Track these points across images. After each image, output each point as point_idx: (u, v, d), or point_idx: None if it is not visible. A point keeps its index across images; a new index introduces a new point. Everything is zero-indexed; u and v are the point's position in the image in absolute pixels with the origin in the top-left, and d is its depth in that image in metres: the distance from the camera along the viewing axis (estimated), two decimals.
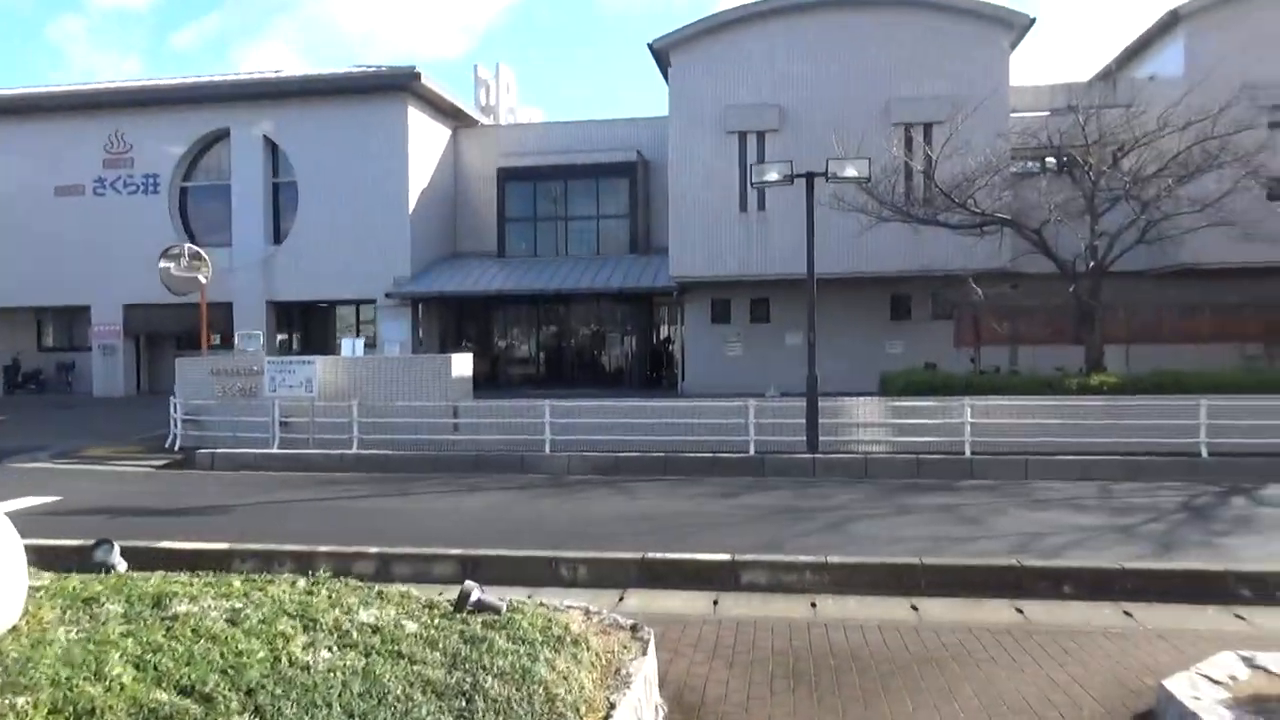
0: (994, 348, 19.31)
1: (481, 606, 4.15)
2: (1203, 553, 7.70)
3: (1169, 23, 20.60)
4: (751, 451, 13.60)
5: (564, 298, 26.71)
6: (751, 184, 13.06)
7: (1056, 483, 11.87)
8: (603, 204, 27.92)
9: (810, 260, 13.32)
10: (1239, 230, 16.95)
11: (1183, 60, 19.92)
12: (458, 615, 4.10)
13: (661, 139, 23.77)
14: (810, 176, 12.87)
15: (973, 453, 13.06)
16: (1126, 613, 6.15)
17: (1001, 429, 13.52)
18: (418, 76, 25.81)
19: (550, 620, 4.26)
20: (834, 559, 6.95)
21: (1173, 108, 16.01)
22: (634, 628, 4.58)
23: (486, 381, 26.21)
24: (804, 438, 13.51)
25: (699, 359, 24.34)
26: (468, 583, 4.27)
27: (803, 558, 7.04)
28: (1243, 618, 6.01)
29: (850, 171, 12.64)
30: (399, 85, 26.02)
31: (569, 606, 4.88)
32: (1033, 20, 20.54)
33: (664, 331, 28.74)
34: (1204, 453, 13.03)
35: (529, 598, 6.57)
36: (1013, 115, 20.70)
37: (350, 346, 17.73)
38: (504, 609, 4.19)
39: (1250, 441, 13.10)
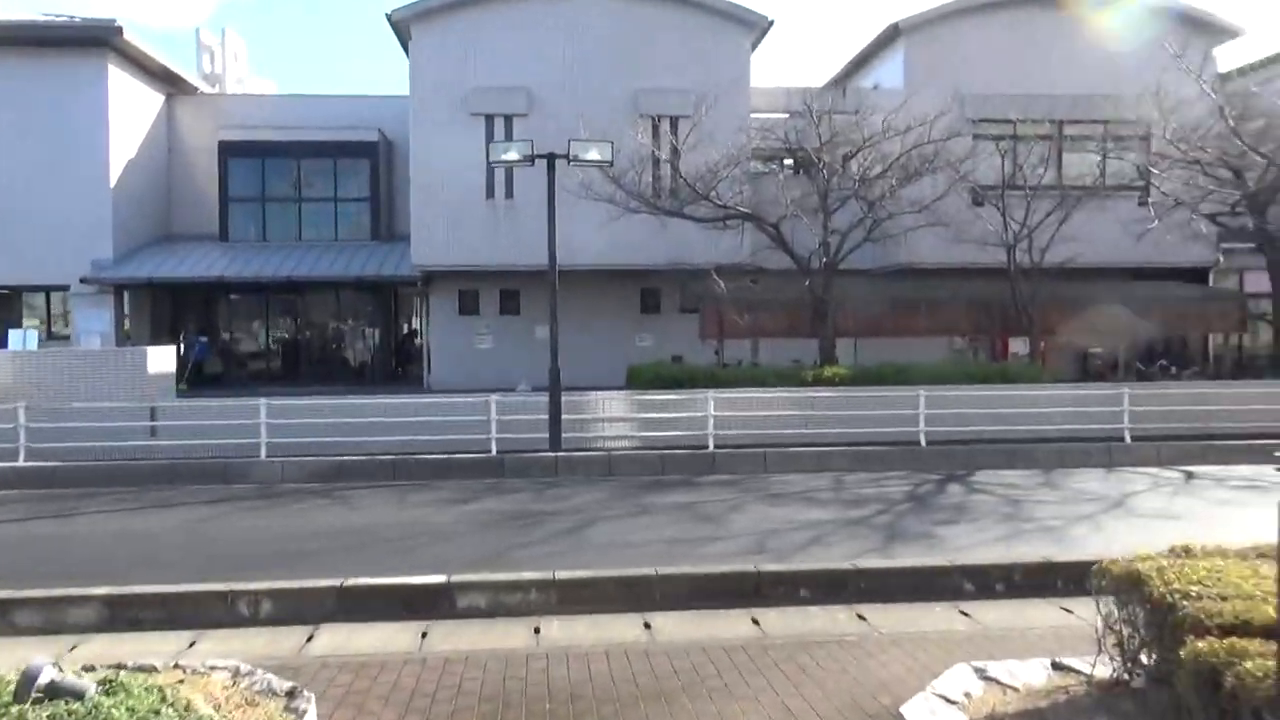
0: (737, 341, 19.65)
1: (56, 692, 3.02)
2: (927, 546, 7.78)
3: (890, 35, 21.89)
4: (493, 451, 12.76)
5: (298, 286, 24.46)
6: (490, 163, 12.23)
7: (794, 475, 11.96)
8: (341, 186, 25.85)
9: (551, 247, 12.66)
10: (951, 232, 18.20)
11: (902, 71, 21.22)
12: (16, 708, 2.95)
13: (407, 119, 22.32)
14: (552, 158, 12.20)
15: (715, 447, 12.96)
16: (861, 616, 5.91)
17: (743, 422, 13.55)
18: (119, 31, 22.61)
19: (166, 699, 3.20)
20: (563, 574, 6.26)
21: (893, 114, 16.88)
22: (291, 693, 3.62)
23: (212, 380, 23.52)
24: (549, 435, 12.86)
25: (447, 353, 23.12)
26: (35, 660, 3.11)
27: (528, 574, 6.29)
28: (968, 614, 5.94)
29: (593, 154, 12.10)
30: (97, 40, 22.68)
31: (212, 668, 3.81)
32: (771, 22, 21.13)
33: (411, 324, 27.18)
34: (923, 441, 13.71)
35: (191, 646, 5.44)
36: (754, 115, 21.16)
37: (20, 339, 15.04)
38: (91, 692, 3.08)
39: (960, 429, 13.96)
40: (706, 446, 12.98)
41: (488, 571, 6.51)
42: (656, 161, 18.68)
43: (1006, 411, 14.14)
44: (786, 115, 21.09)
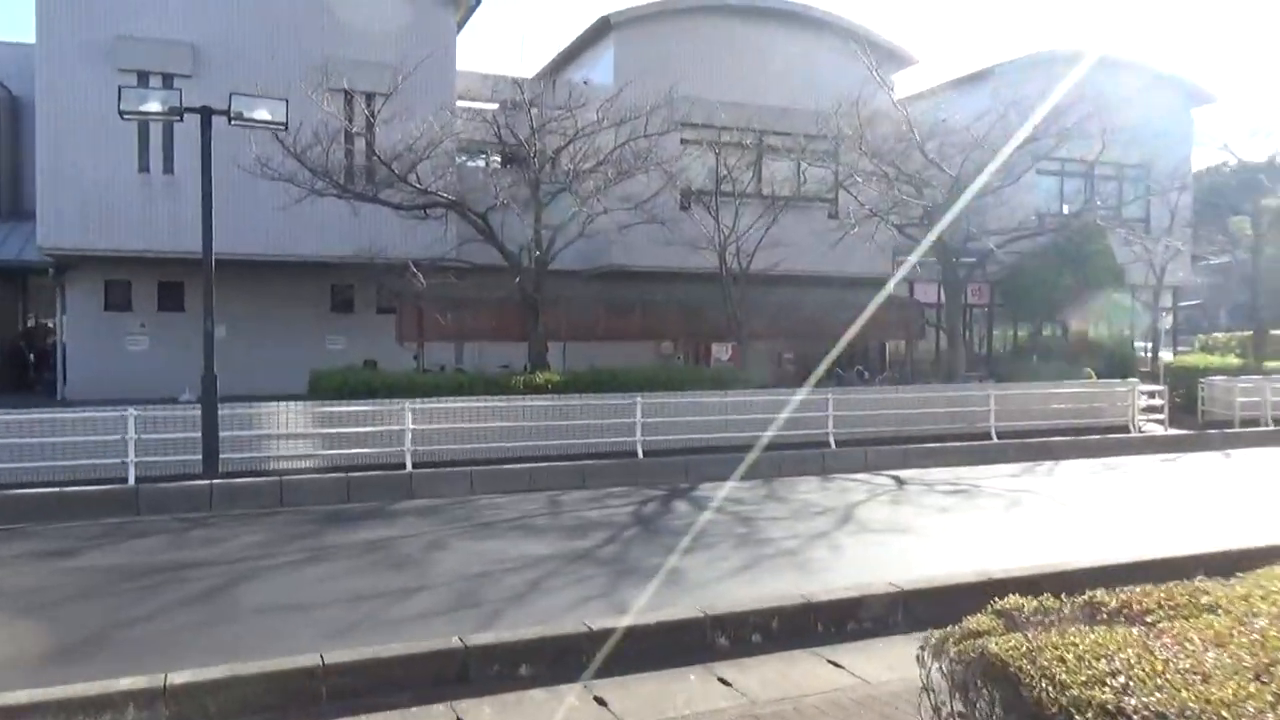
0: (440, 344, 17.89)
1: None
2: (666, 584, 6.67)
3: (601, 29, 21.20)
4: (130, 480, 10.13)
5: None
6: (123, 115, 9.60)
7: (505, 497, 10.52)
8: None
9: (207, 227, 10.27)
10: (663, 234, 17.71)
11: (613, 67, 20.58)
12: None
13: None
14: (207, 113, 9.84)
15: (414, 466, 11.21)
16: (600, 699, 4.58)
17: (446, 435, 11.92)
18: None
19: None
20: (179, 678, 4.33)
21: (605, 108, 16.04)
22: None
23: None
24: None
25: (88, 355, 19.19)
26: None
27: (124, 682, 4.29)
28: (727, 681, 4.81)
29: (262, 114, 9.91)
30: None
31: None
32: (479, 0, 19.66)
33: (47, 320, 22.49)
34: (640, 452, 12.87)
35: None
36: (462, 103, 19.57)
37: None
38: None
39: (678, 438, 13.30)
40: (404, 466, 11.19)
41: (52, 684, 4.36)
42: (348, 136, 16.46)
43: (721, 419, 13.70)
44: (495, 105, 19.67)
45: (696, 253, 17.97)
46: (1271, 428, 17.09)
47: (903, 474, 12.33)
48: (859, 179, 18.82)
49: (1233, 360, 20.52)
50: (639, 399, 13.14)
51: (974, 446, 14.23)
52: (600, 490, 11.06)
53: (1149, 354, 24.51)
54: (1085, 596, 3.41)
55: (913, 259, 18.95)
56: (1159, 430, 16.68)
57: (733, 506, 10.00)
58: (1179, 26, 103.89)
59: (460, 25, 19.99)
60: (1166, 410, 17.17)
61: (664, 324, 20.21)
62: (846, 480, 11.88)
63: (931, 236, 17.56)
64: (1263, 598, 3.32)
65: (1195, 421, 17.73)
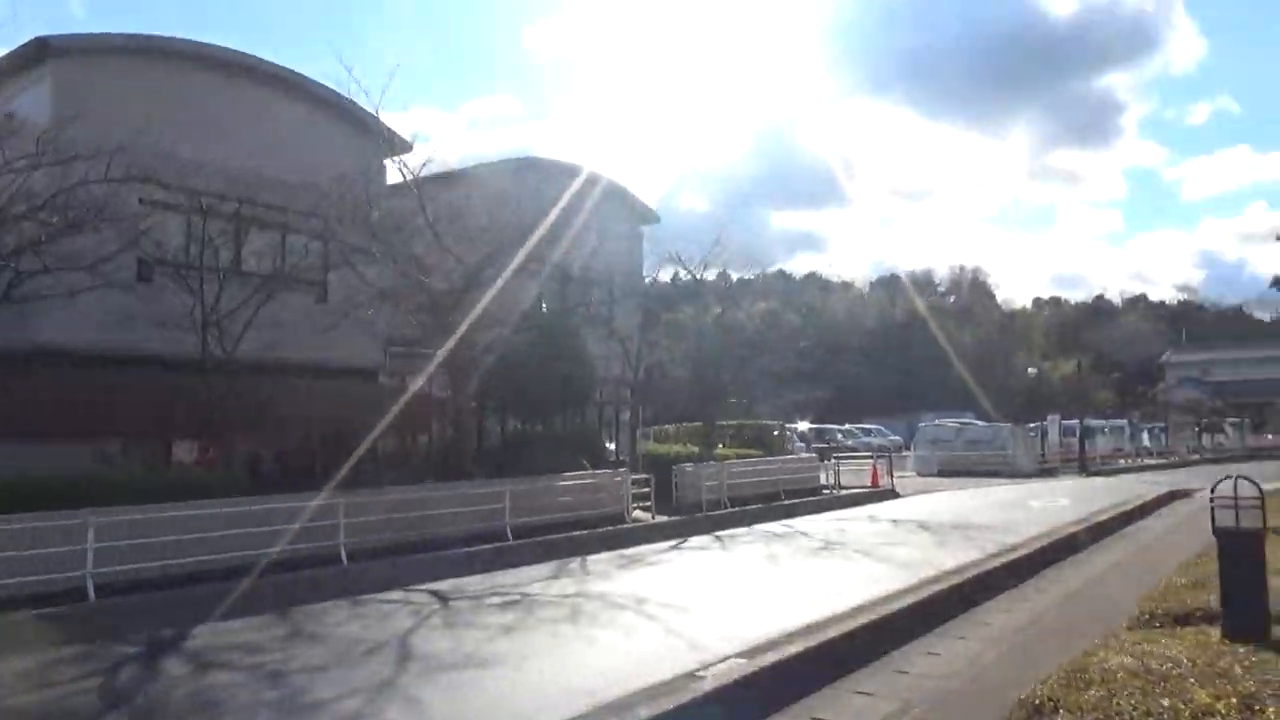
0: None
1: None
2: None
3: (38, 54, 16.94)
4: None
5: None
6: None
7: None
8: None
9: None
10: (116, 309, 14.31)
11: (50, 99, 16.50)
12: None
13: None
14: None
15: None
16: None
17: None
18: None
19: None
20: None
21: (42, 146, 12.56)
22: None
23: None
24: None
25: None
26: None
27: None
28: None
29: None
30: None
31: None
32: None
33: None
34: (92, 592, 9.66)
35: None
36: None
37: None
38: None
39: (149, 565, 10.35)
40: None
41: None
42: None
43: (205, 536, 10.99)
44: None
45: (162, 333, 14.79)
46: (731, 509, 19.13)
47: (440, 586, 10.91)
48: (357, 261, 17.36)
49: (693, 448, 22.88)
50: (91, 518, 9.94)
51: (500, 548, 13.41)
52: (38, 656, 7.81)
53: (615, 444, 26.46)
54: None
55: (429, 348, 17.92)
56: (648, 517, 17.60)
57: (248, 657, 7.67)
58: (634, 156, 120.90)
59: None
60: (652, 497, 18.25)
61: (112, 418, 16.23)
62: (381, 601, 10.10)
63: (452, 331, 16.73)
64: None
65: (670, 506, 19.15)
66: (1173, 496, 21.75)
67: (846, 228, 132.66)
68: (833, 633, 7.59)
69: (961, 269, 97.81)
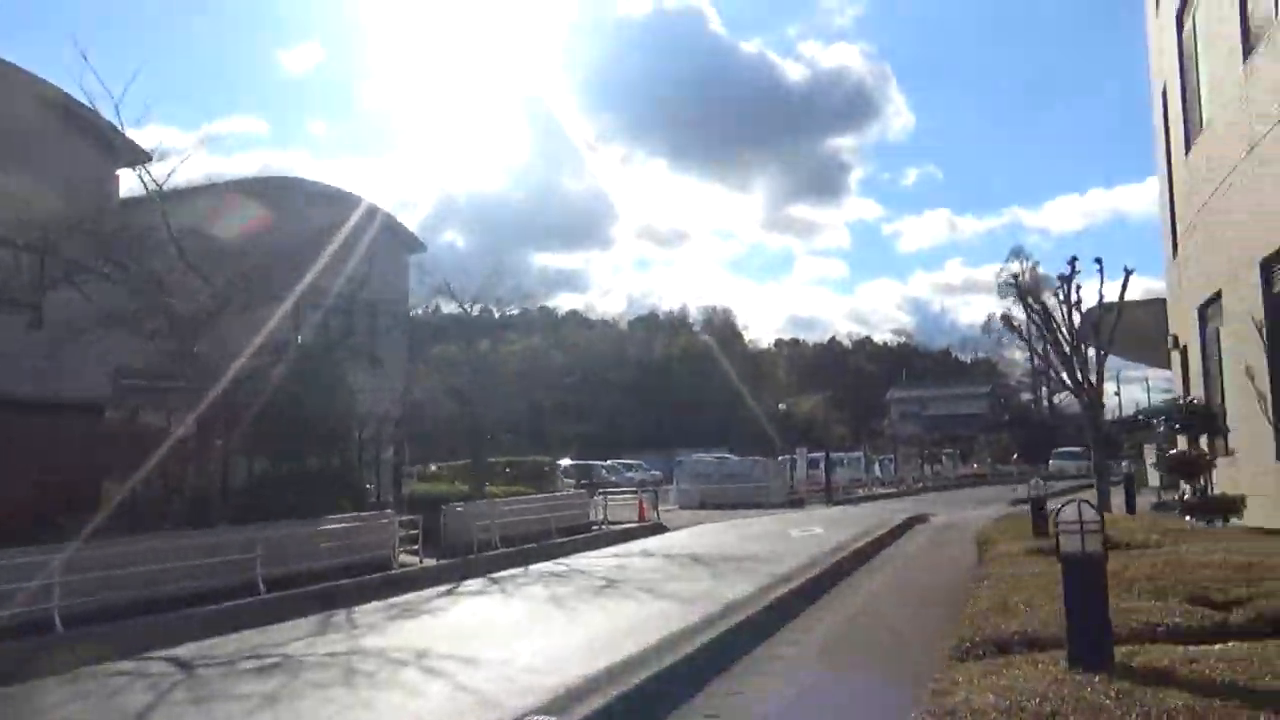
0: None
1: None
2: None
3: None
4: None
5: None
6: None
7: None
8: None
9: None
10: None
11: None
12: None
13: None
14: None
15: None
16: None
17: None
18: None
19: None
20: None
21: None
22: None
23: None
24: None
25: None
26: None
27: None
28: None
29: None
30: None
31: None
32: None
33: None
34: None
35: None
36: None
37: None
38: None
39: None
40: None
41: None
42: None
43: None
44: None
45: None
46: (505, 549, 18.44)
47: (182, 651, 9.48)
48: (83, 280, 15.20)
49: (463, 487, 21.97)
50: None
51: (254, 603, 11.98)
52: None
53: (376, 484, 24.97)
54: None
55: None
56: (417, 561, 16.56)
57: None
58: (396, 186, 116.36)
59: None
60: (421, 540, 17.22)
61: None
62: (110, 675, 8.57)
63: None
64: None
65: (440, 549, 18.17)
66: (914, 521, 23.55)
67: (606, 268, 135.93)
68: (638, 677, 7.26)
69: (716, 309, 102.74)
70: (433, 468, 29.93)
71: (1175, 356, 18.73)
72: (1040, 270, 62.89)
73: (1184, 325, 17.45)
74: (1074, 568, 3.62)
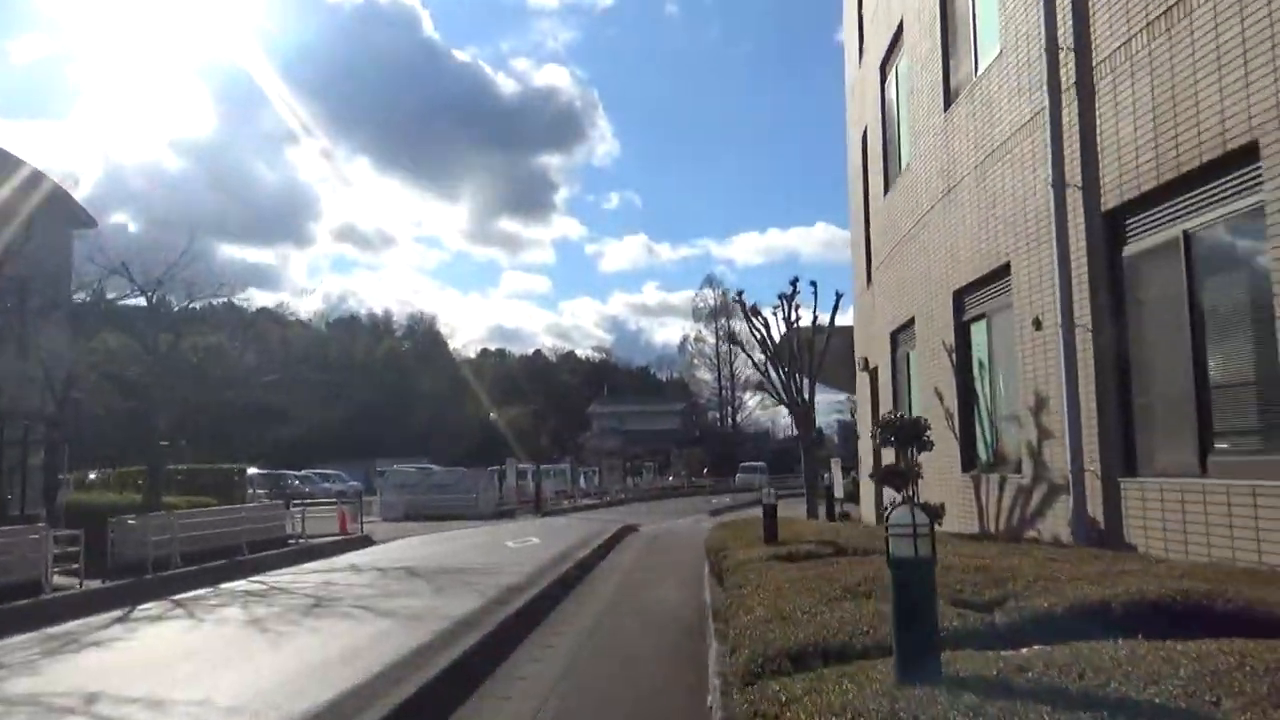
0: None
1: None
2: None
3: None
4: None
5: None
6: None
7: None
8: None
9: None
10: None
11: None
12: None
13: None
14: None
15: None
16: None
17: None
18: None
19: None
20: None
21: None
22: None
23: None
24: None
25: None
26: None
27: None
28: None
29: None
30: None
31: None
32: None
33: None
34: None
35: None
36: None
37: None
38: None
39: None
40: None
41: None
42: None
43: None
44: None
45: None
46: (188, 567, 16.29)
47: None
48: None
49: (135, 497, 19.17)
50: None
51: None
52: None
53: (20, 493, 21.29)
54: None
55: None
56: (77, 583, 14.11)
57: None
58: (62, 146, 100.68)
59: None
60: (82, 558, 14.71)
61: None
62: None
63: None
64: None
65: (107, 568, 15.68)
66: (626, 531, 23.95)
67: (302, 266, 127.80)
68: (371, 715, 6.43)
69: (421, 315, 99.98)
70: (92, 475, 26.05)
71: (864, 377, 20.58)
72: (731, 296, 67.65)
73: (875, 349, 19.20)
74: (906, 573, 3.47)
